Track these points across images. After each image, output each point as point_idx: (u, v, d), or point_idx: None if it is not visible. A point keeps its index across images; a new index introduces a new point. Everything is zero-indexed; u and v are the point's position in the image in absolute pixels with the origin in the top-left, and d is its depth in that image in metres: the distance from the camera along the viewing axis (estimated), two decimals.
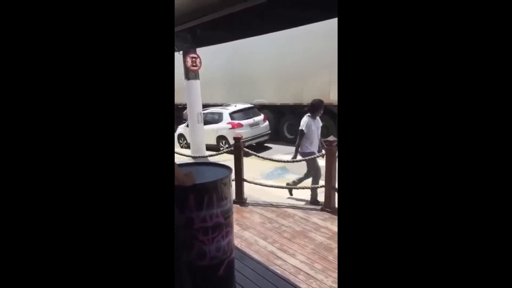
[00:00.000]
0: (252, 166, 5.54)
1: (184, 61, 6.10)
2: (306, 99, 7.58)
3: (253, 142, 7.51)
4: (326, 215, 3.22)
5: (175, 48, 2.59)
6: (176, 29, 2.51)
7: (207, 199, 1.82)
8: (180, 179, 1.62)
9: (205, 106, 7.59)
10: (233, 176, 3.54)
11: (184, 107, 7.94)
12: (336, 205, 3.30)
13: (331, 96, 7.35)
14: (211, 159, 4.96)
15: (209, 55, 7.70)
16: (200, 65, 6.29)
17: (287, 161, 4.02)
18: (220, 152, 4.79)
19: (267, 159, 3.95)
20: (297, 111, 8.00)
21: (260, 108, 8.49)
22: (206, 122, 6.90)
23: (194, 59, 6.22)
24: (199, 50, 6.23)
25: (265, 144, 8.18)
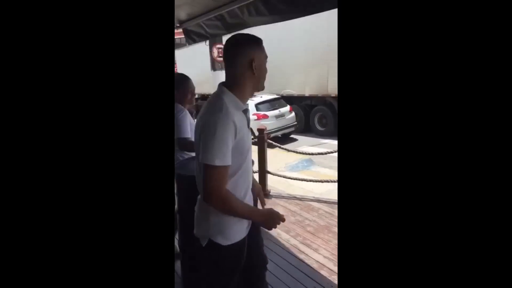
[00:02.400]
0: (277, 157, 5.49)
1: (211, 52, 6.12)
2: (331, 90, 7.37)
3: (279, 134, 7.44)
4: None
5: (207, 36, 2.57)
6: (204, 17, 2.48)
7: None
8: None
9: None
10: (256, 167, 3.52)
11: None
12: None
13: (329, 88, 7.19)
14: None
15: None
16: None
17: (311, 154, 3.92)
18: None
19: (291, 151, 3.88)
20: (327, 102, 7.79)
21: (287, 99, 8.36)
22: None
23: (220, 50, 6.23)
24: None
25: (291, 136, 8.08)
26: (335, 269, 2.18)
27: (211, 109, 1.08)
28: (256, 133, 3.53)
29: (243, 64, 1.08)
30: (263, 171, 3.61)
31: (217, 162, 1.00)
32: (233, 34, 1.16)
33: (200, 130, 1.07)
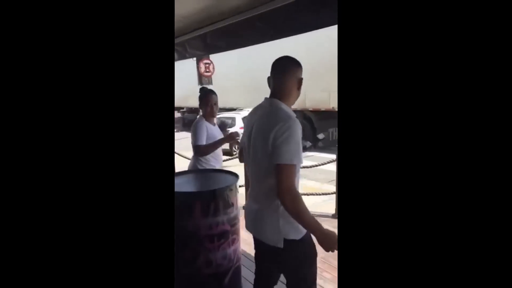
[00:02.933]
0: None
1: (198, 67, 6.19)
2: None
3: None
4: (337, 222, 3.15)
5: (188, 55, 2.63)
6: (188, 36, 2.54)
7: (214, 206, 1.82)
8: None
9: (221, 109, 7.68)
10: (242, 181, 3.54)
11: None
12: None
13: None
14: (224, 164, 4.97)
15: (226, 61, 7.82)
16: (214, 70, 6.37)
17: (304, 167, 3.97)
18: (233, 157, 4.80)
19: None
20: (306, 116, 7.94)
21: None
22: (219, 127, 6.93)
23: (207, 65, 6.31)
24: (216, 56, 6.31)
25: None
26: (320, 282, 2.20)
27: (279, 116, 1.22)
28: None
29: (293, 81, 1.32)
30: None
31: (295, 161, 1.14)
32: (280, 56, 1.37)
33: (264, 136, 1.20)
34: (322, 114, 7.81)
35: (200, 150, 2.20)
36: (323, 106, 7.71)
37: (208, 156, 2.28)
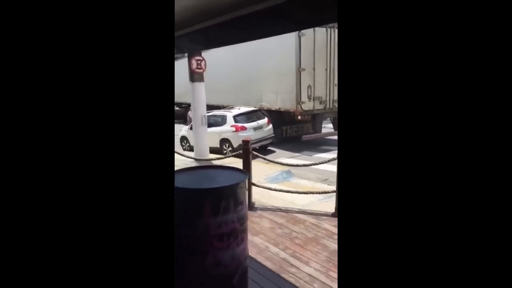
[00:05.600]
0: (257, 170, 5.48)
1: (189, 64, 6.05)
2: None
3: (257, 146, 7.46)
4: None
5: (184, 50, 2.56)
6: (187, 30, 2.47)
7: (224, 204, 1.74)
8: None
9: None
10: None
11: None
12: None
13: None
14: (216, 163, 4.89)
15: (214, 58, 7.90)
16: (205, 67, 6.25)
17: (296, 165, 3.95)
18: (226, 155, 4.73)
19: (276, 162, 3.88)
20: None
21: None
22: (209, 125, 6.83)
23: (199, 62, 6.18)
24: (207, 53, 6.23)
25: (269, 148, 8.12)
26: (328, 281, 2.17)
27: None
28: (235, 145, 3.51)
29: None
30: (248, 183, 3.57)
31: None
32: None
33: None
34: (274, 113, 8.38)
35: None
36: (273, 106, 8.42)
37: None
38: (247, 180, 1.92)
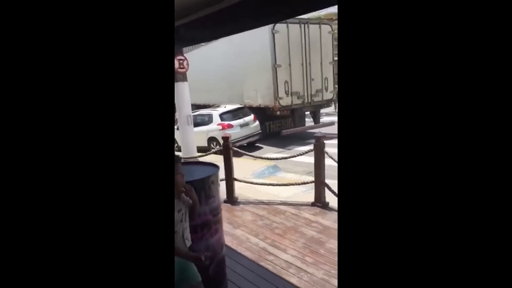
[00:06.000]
0: (243, 166, 5.55)
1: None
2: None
3: (244, 142, 7.52)
4: (317, 209, 3.25)
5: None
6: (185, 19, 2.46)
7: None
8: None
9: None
10: (222, 175, 3.56)
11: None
12: (327, 200, 3.33)
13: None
14: (201, 160, 4.96)
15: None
16: (188, 67, 6.27)
17: (277, 159, 4.04)
18: (208, 153, 4.80)
19: (258, 157, 3.97)
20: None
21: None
22: (196, 124, 6.87)
23: (181, 61, 6.20)
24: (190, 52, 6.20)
25: (256, 144, 8.20)
26: (303, 266, 2.27)
27: None
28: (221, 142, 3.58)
29: None
30: (230, 179, 3.65)
31: None
32: None
33: None
34: (256, 110, 8.37)
35: None
36: (254, 103, 8.49)
37: None
38: (218, 174, 2.00)
